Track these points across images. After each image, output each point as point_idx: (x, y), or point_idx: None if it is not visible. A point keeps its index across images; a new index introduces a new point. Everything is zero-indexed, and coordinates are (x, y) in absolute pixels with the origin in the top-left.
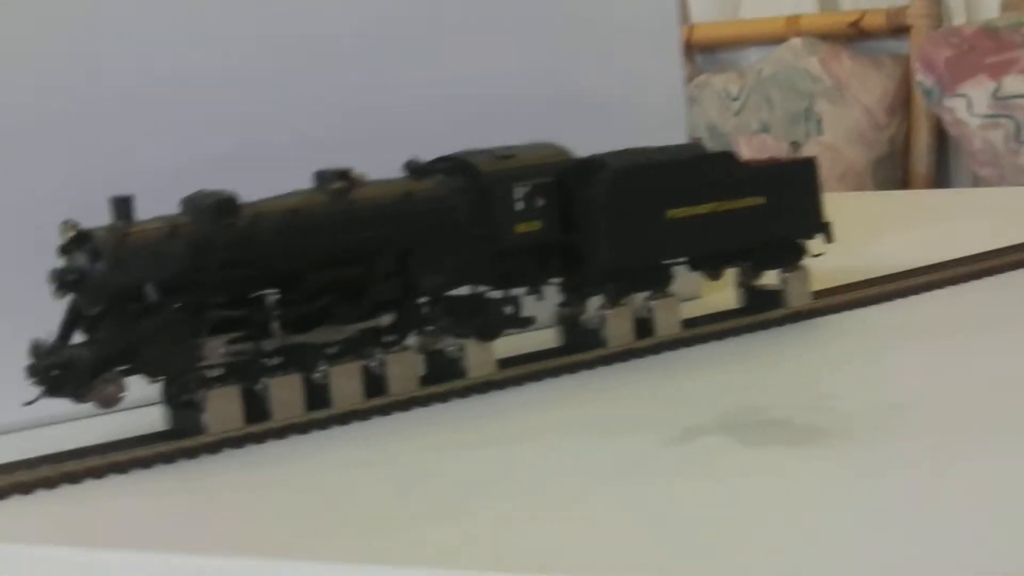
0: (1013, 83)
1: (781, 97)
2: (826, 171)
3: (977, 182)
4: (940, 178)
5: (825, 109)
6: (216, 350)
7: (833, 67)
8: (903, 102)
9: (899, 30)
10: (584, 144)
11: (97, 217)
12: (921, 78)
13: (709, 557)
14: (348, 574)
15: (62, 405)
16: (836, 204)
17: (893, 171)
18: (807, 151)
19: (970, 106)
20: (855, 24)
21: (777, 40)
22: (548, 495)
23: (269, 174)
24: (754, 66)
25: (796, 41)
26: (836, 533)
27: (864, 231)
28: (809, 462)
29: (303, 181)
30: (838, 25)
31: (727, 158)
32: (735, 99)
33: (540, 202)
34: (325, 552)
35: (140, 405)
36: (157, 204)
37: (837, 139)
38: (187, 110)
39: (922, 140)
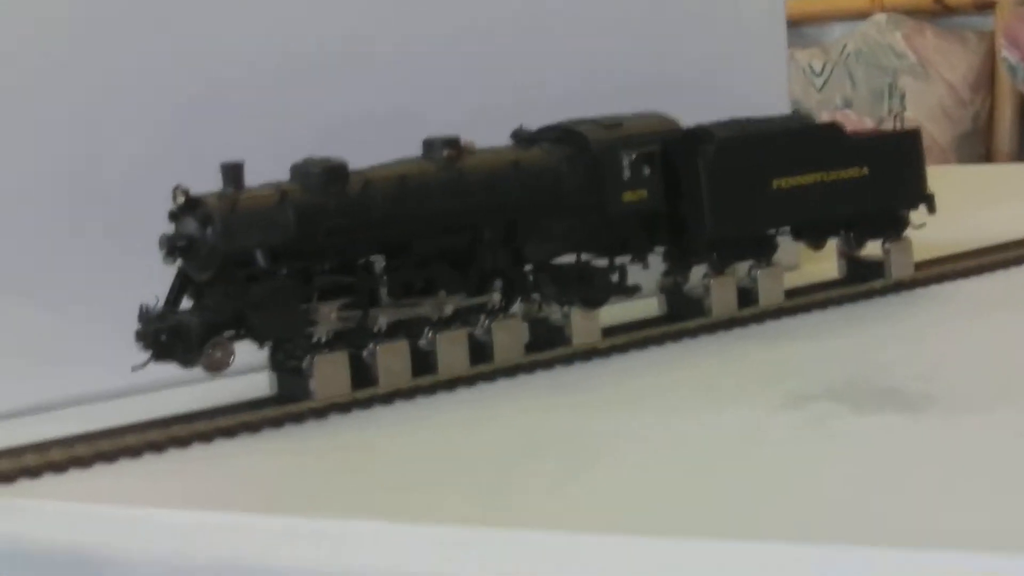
0: None
1: (864, 73)
2: None
3: None
4: (1023, 155)
5: (909, 85)
6: (325, 316)
7: (917, 43)
8: (987, 79)
9: (984, 6)
10: (688, 115)
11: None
12: (1006, 54)
13: (825, 521)
14: (460, 536)
15: (171, 370)
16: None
17: (976, 148)
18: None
19: None
20: (940, 0)
21: (861, 16)
22: (660, 459)
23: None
24: (838, 42)
25: (880, 16)
26: (955, 497)
27: (955, 203)
28: (925, 428)
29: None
30: (923, 1)
31: (832, 128)
32: (818, 75)
33: (647, 171)
34: (432, 516)
35: (247, 371)
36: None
37: (920, 115)
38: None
39: (1006, 117)
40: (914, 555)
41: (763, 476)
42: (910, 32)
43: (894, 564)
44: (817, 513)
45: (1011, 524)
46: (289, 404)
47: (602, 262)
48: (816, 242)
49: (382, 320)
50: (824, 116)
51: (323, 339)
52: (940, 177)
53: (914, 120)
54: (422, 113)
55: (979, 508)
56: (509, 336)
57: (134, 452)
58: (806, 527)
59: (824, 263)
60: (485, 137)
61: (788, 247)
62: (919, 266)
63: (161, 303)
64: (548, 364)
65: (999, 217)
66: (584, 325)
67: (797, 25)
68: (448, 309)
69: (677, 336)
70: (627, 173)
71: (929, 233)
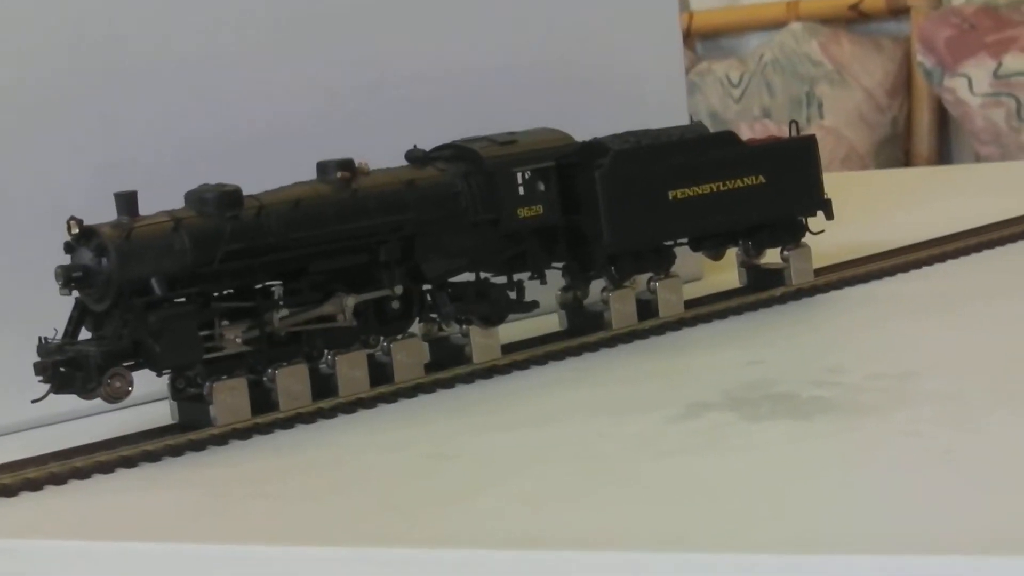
0: (1014, 61)
1: (782, 82)
2: (828, 155)
3: (979, 161)
4: (942, 158)
5: (826, 93)
6: (230, 340)
7: (833, 51)
8: (904, 84)
9: (899, 12)
10: (586, 129)
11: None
12: (922, 59)
13: (717, 529)
14: (360, 558)
15: (70, 402)
16: (840, 183)
17: (895, 153)
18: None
19: (971, 85)
20: (855, 7)
21: (777, 25)
22: (558, 475)
23: (265, 162)
24: (755, 52)
25: (796, 26)
26: (842, 502)
27: (867, 208)
28: (815, 434)
29: (304, 168)
30: (838, 8)
31: (727, 138)
32: (736, 85)
33: (542, 187)
34: (336, 537)
35: (149, 401)
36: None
37: (839, 122)
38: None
39: (923, 121)
40: (798, 560)
41: (656, 486)
42: (826, 40)
43: (780, 569)
44: (708, 521)
45: (896, 527)
46: (189, 432)
47: (501, 279)
48: (715, 252)
49: (282, 324)
50: (743, 126)
51: (222, 365)
52: (857, 182)
53: (833, 127)
54: (316, 135)
55: (866, 512)
56: (409, 356)
57: (34, 485)
58: (696, 535)
59: (728, 273)
60: (381, 158)
61: (691, 258)
62: (819, 272)
63: (60, 335)
64: (448, 383)
65: (908, 221)
66: (484, 343)
67: (714, 37)
68: (350, 302)
69: (577, 351)
70: (522, 189)
71: (836, 237)
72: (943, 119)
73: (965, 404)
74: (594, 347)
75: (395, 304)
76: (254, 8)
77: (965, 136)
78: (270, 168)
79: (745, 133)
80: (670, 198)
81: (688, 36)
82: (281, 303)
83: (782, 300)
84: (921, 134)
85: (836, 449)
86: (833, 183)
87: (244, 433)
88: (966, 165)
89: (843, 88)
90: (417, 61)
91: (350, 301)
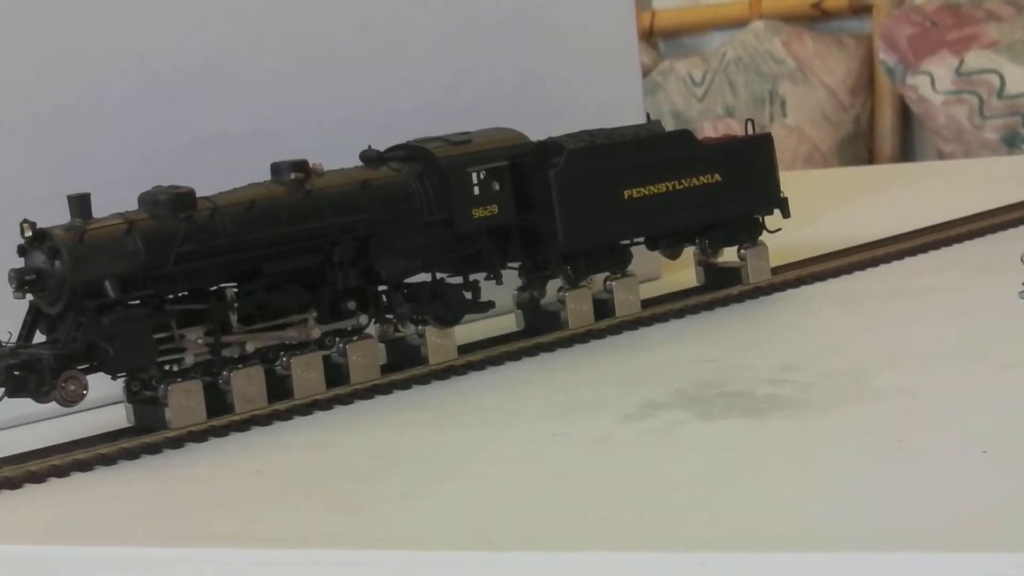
0: (975, 58)
1: (745, 80)
2: (791, 153)
3: (942, 159)
4: (905, 156)
5: (789, 91)
6: (192, 343)
7: (796, 49)
8: (867, 82)
9: (861, 10)
10: (541, 128)
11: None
12: (884, 57)
13: (669, 528)
14: (311, 560)
15: (25, 406)
16: (802, 181)
17: (858, 151)
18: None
19: (933, 83)
20: (817, 5)
21: (740, 23)
22: (514, 474)
23: (228, 168)
24: (717, 50)
25: (758, 24)
26: (795, 500)
27: (828, 206)
28: (769, 431)
29: (262, 175)
30: (800, 6)
31: (683, 136)
32: (699, 84)
33: (496, 186)
34: (289, 539)
35: (105, 404)
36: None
37: (802, 121)
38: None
39: (886, 119)
40: (751, 558)
41: (608, 485)
42: (788, 38)
43: (732, 567)
44: (660, 520)
45: (849, 523)
46: (145, 435)
47: (456, 280)
48: (672, 251)
49: (249, 346)
50: (706, 125)
51: (177, 367)
52: (819, 180)
53: (796, 125)
54: (275, 133)
55: (820, 509)
56: (365, 357)
57: None
58: (647, 535)
59: (686, 272)
60: (340, 156)
61: (649, 257)
62: (777, 270)
63: (14, 338)
64: (405, 384)
65: (868, 218)
66: (440, 344)
67: (676, 36)
68: (315, 332)
69: (534, 351)
70: (476, 189)
71: (796, 236)
72: (906, 117)
73: (919, 400)
74: (550, 347)
75: (351, 306)
76: (209, 7)
77: (928, 134)
78: (224, 170)
79: (708, 132)
80: (625, 197)
81: (651, 35)
82: (236, 305)
83: (739, 299)
84: (884, 132)
85: (789, 446)
86: (795, 181)
87: (199, 436)
88: (929, 163)
89: (806, 86)
90: (372, 60)
91: (316, 332)
